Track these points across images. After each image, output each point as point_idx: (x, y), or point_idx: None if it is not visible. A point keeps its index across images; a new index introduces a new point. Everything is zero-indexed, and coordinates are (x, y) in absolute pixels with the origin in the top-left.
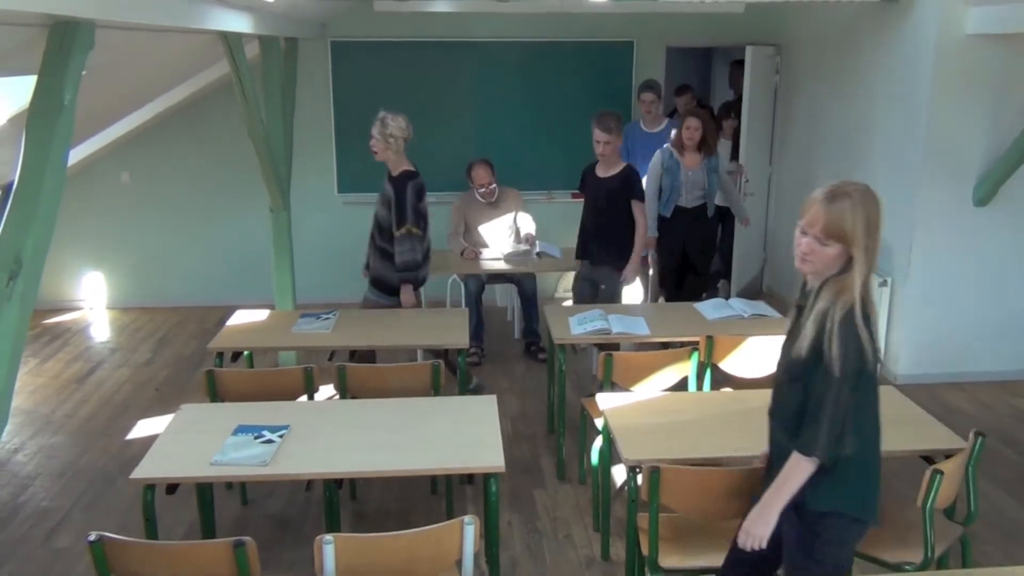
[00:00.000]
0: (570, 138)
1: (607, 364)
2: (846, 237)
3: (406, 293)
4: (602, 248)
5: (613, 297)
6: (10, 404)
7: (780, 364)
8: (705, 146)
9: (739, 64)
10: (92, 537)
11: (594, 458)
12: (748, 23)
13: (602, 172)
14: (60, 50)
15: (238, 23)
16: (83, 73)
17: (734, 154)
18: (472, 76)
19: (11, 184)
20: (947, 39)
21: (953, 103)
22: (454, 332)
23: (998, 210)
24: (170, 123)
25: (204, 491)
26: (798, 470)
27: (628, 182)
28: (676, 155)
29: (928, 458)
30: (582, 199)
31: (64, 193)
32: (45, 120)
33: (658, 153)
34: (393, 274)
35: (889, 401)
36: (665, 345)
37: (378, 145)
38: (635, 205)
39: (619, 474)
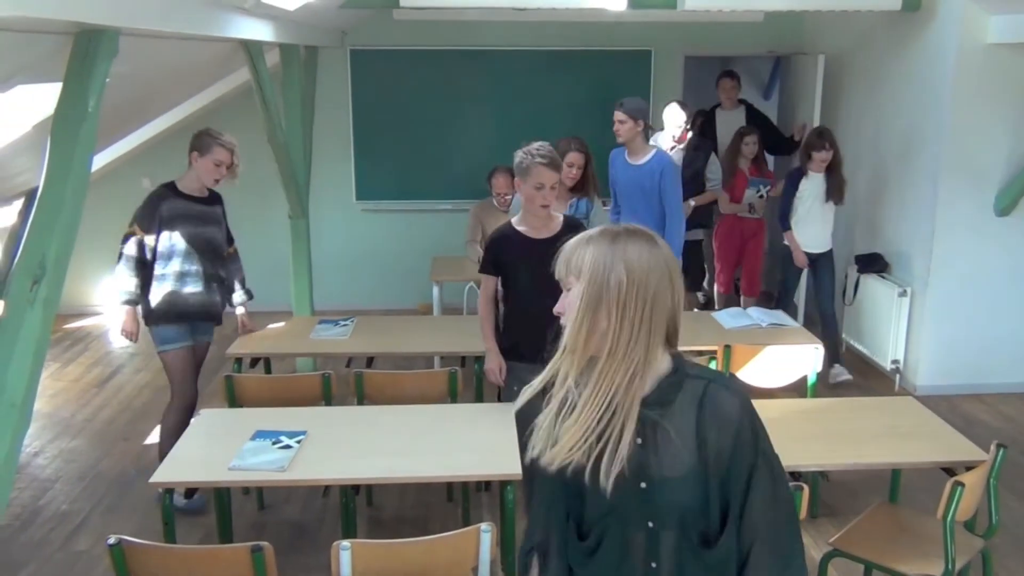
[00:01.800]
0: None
1: None
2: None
3: (246, 312)
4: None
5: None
6: (33, 408)
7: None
8: (585, 188)
9: (729, 75)
10: (111, 540)
11: None
12: (767, 32)
13: (538, 231)
14: (85, 58)
15: (259, 31)
16: (107, 80)
17: (831, 195)
18: (490, 84)
19: (35, 190)
20: (968, 48)
21: (974, 112)
22: (471, 339)
23: (1020, 220)
24: (191, 130)
25: (222, 496)
26: None
27: None
28: None
29: (949, 470)
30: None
31: (86, 199)
32: (69, 127)
33: None
34: (224, 299)
35: (909, 412)
36: None
37: (237, 171)
38: None
39: None
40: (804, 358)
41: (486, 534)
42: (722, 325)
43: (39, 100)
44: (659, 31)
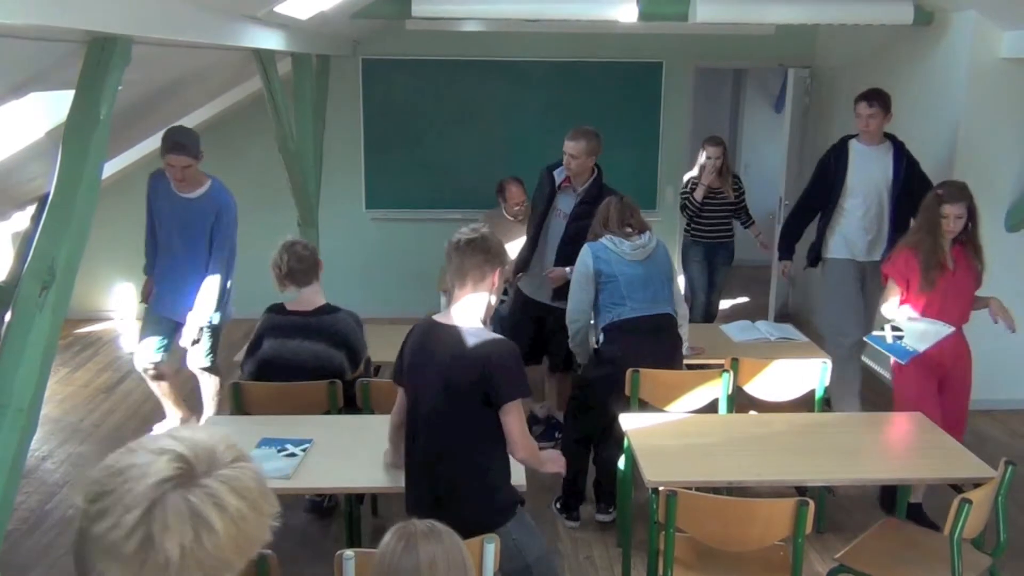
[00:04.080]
0: (599, 158)
1: (634, 382)
2: None
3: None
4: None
5: None
6: (40, 412)
7: None
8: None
9: (870, 99)
10: None
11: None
12: (779, 45)
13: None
14: (97, 66)
15: (272, 40)
16: (119, 88)
17: None
18: (501, 95)
19: (47, 196)
20: (981, 63)
21: (986, 127)
22: None
23: None
24: (202, 138)
25: None
26: None
27: None
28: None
29: (957, 487)
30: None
31: (98, 205)
32: (81, 134)
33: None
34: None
35: (918, 428)
36: (690, 366)
37: None
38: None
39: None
40: (812, 372)
41: (490, 545)
42: (731, 338)
43: (52, 107)
44: (671, 43)
